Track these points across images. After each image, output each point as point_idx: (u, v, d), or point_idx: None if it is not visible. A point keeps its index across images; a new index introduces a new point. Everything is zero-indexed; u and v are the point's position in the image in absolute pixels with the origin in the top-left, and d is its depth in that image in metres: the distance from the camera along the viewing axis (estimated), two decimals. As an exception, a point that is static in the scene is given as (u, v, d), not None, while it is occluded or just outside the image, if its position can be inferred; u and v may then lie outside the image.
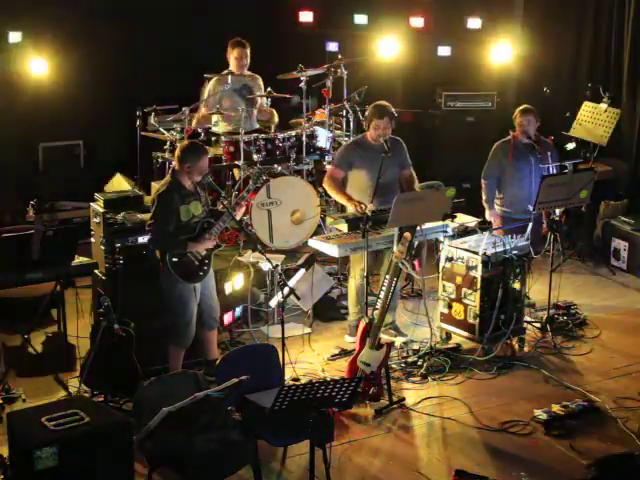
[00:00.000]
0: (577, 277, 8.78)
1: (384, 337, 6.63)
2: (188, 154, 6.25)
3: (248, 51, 8.46)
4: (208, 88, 8.56)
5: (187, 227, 6.27)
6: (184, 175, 6.27)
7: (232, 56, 8.44)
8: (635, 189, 9.62)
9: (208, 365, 6.53)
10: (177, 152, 6.35)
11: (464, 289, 7.04)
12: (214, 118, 8.31)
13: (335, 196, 7.39)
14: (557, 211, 7.53)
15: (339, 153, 7.41)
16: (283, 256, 7.67)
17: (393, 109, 7.24)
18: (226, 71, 8.44)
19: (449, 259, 7.13)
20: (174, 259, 6.20)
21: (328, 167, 7.91)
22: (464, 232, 7.45)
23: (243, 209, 6.77)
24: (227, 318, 7.21)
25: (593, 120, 9.24)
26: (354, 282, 7.20)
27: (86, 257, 6.69)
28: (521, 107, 7.91)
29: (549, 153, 7.74)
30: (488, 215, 7.96)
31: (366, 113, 7.32)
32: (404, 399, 6.43)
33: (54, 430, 4.79)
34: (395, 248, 6.46)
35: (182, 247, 6.21)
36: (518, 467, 5.64)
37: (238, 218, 6.58)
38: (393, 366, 6.81)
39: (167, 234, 6.19)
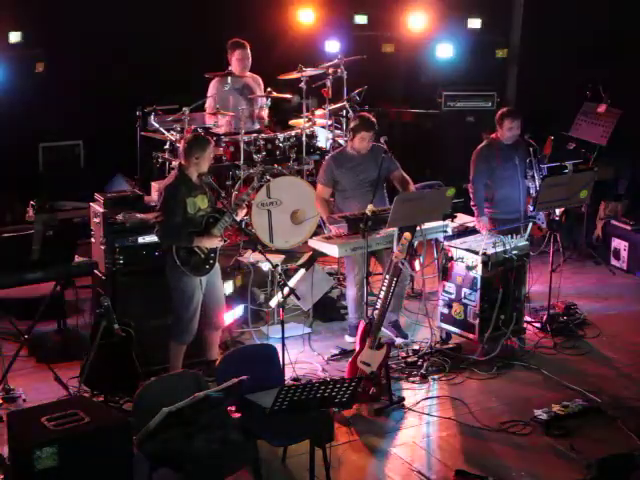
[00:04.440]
0: (577, 277, 8.78)
1: (384, 331, 6.56)
2: (195, 145, 6.31)
3: (249, 51, 8.47)
4: (210, 88, 8.56)
5: (193, 220, 6.29)
6: (192, 168, 6.31)
7: (233, 57, 8.44)
8: (635, 189, 9.62)
9: (208, 365, 6.53)
10: (183, 146, 6.38)
11: (464, 289, 7.04)
12: (214, 118, 8.32)
13: (321, 214, 7.44)
14: (557, 211, 7.53)
15: (321, 171, 7.42)
16: (283, 256, 7.67)
17: None
18: (226, 71, 8.44)
19: (449, 259, 7.13)
20: (180, 251, 6.23)
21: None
22: (464, 232, 7.45)
23: (245, 210, 6.75)
24: (227, 318, 7.20)
25: (593, 120, 9.24)
26: (351, 292, 7.23)
27: (86, 257, 6.69)
28: (507, 110, 7.74)
29: (531, 150, 7.76)
30: (476, 221, 7.70)
31: (350, 125, 7.27)
32: (404, 399, 6.43)
33: (54, 430, 4.79)
34: (395, 248, 6.46)
35: (188, 240, 6.23)
36: (518, 467, 5.64)
37: (239, 219, 6.59)
38: (393, 366, 6.81)
39: (173, 226, 6.22)
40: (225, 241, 6.48)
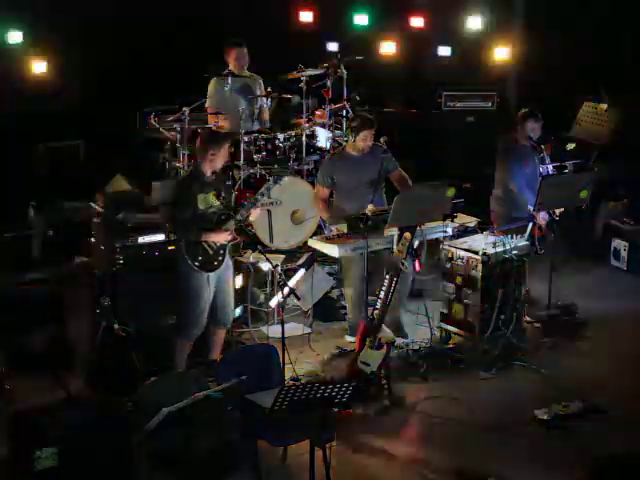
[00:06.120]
0: (577, 277, 8.77)
1: (384, 328, 6.55)
2: (210, 141, 6.35)
3: (245, 50, 8.46)
4: (209, 88, 8.56)
5: (205, 216, 6.32)
6: (207, 164, 6.34)
7: (231, 57, 8.43)
8: (635, 189, 9.62)
9: (208, 365, 6.52)
10: (198, 142, 6.41)
11: (464, 289, 7.04)
12: (215, 118, 8.32)
13: (321, 214, 7.44)
14: (557, 211, 7.53)
15: (320, 170, 7.44)
16: (283, 256, 7.67)
17: None
18: (226, 71, 8.44)
19: (449, 259, 7.13)
20: (189, 246, 6.25)
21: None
22: (464, 232, 7.45)
23: (258, 210, 6.71)
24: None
25: (593, 120, 9.25)
26: (350, 293, 7.22)
27: (86, 257, 6.70)
28: (529, 111, 7.71)
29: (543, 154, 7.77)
30: (540, 218, 7.46)
31: (351, 125, 7.24)
32: (404, 399, 6.43)
33: (54, 430, 4.78)
34: (395, 248, 6.46)
35: (196, 235, 6.25)
36: (518, 467, 5.64)
37: (252, 218, 6.61)
38: (393, 366, 6.81)
39: (182, 220, 6.26)
40: (235, 238, 6.46)
